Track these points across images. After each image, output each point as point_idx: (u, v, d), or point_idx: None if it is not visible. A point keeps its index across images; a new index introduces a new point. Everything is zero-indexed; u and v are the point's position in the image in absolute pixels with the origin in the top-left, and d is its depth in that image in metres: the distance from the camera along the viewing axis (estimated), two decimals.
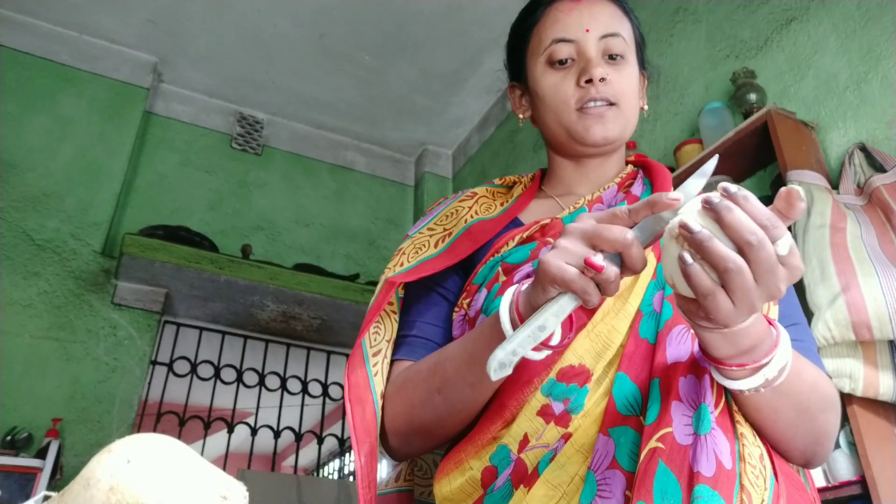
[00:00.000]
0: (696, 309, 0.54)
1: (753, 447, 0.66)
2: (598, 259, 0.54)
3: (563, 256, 0.56)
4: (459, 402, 0.71)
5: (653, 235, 0.56)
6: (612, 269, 0.54)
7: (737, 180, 1.98)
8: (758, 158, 1.94)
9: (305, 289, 3.04)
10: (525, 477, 0.66)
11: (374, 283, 3.23)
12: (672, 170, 1.97)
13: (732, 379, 0.59)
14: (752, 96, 1.97)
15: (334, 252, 3.58)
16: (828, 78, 1.91)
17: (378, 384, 0.79)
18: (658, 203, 0.54)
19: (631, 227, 0.56)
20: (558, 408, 0.69)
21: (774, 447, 0.69)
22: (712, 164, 0.56)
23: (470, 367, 0.68)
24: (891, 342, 1.42)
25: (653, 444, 0.62)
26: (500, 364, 0.56)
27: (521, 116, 0.96)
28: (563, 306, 0.56)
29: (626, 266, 0.55)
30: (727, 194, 0.50)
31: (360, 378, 0.79)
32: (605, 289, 0.55)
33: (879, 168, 1.65)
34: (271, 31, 3.21)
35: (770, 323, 0.58)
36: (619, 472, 0.63)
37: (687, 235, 0.50)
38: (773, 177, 1.85)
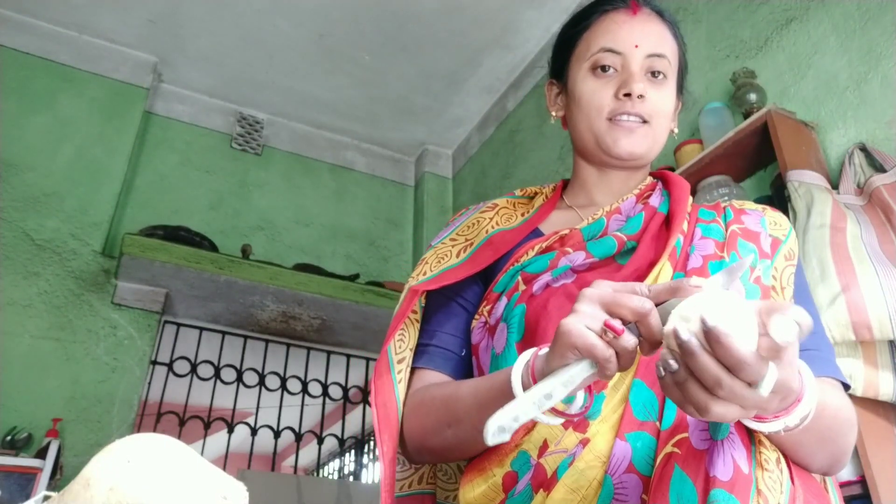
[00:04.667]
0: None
1: (770, 452, 0.66)
2: (618, 323, 0.54)
3: (584, 321, 0.55)
4: (469, 440, 0.73)
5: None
6: (630, 337, 0.53)
7: (737, 180, 1.98)
8: (758, 158, 1.93)
9: (305, 289, 3.04)
10: (545, 481, 0.67)
11: (375, 284, 3.26)
12: (672, 170, 1.97)
13: (753, 421, 0.58)
14: (752, 96, 1.97)
15: (334, 252, 3.58)
16: (828, 78, 1.91)
17: (402, 391, 0.81)
18: (681, 289, 0.54)
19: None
20: (576, 409, 0.69)
21: (794, 463, 0.70)
22: (745, 263, 0.55)
23: (479, 415, 0.68)
24: (891, 342, 1.42)
25: (669, 448, 0.63)
26: (498, 429, 0.53)
27: (553, 114, 0.97)
28: (575, 375, 0.54)
29: (643, 337, 0.54)
30: (705, 327, 0.48)
31: (386, 383, 0.81)
32: (621, 358, 0.54)
33: (879, 168, 1.65)
34: (271, 31, 3.21)
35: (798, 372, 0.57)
36: (636, 476, 0.64)
37: (677, 342, 0.49)
38: (773, 177, 1.85)
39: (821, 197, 1.60)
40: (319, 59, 3.36)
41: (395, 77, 3.46)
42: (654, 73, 0.87)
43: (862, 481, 1.39)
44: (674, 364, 0.50)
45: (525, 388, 0.60)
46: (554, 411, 0.58)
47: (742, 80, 2.03)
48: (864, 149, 1.70)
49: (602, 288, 0.57)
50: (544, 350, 0.61)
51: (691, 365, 0.49)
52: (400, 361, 0.83)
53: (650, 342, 0.54)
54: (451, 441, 0.74)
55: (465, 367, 0.85)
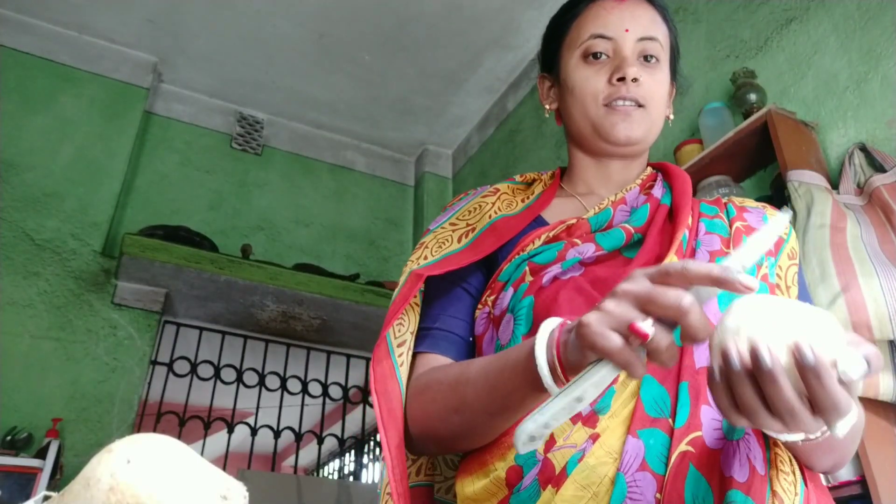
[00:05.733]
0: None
1: (784, 453, 0.66)
2: (647, 326, 0.49)
3: (608, 321, 0.51)
4: (477, 426, 0.70)
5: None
6: (663, 338, 0.49)
7: (737, 180, 1.98)
8: (758, 158, 1.94)
9: (305, 289, 3.04)
10: (553, 477, 0.65)
11: (375, 284, 3.25)
12: None
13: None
14: (752, 96, 1.97)
15: (334, 252, 3.58)
16: (828, 78, 1.91)
17: (404, 374, 0.78)
18: (726, 283, 0.48)
19: (686, 289, 0.50)
20: (585, 408, 0.68)
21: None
22: (784, 220, 0.51)
23: (491, 398, 0.65)
24: (891, 342, 1.42)
25: (683, 447, 0.62)
26: (529, 437, 0.50)
27: (547, 107, 0.96)
28: (604, 377, 0.50)
29: (686, 335, 0.49)
30: (803, 361, 0.44)
31: (386, 368, 0.78)
32: (656, 359, 0.49)
33: (879, 168, 1.65)
34: (271, 31, 3.21)
35: None
36: (650, 474, 0.63)
37: (756, 364, 0.46)
38: (773, 177, 1.85)
39: (821, 197, 1.60)
40: (319, 59, 3.36)
41: (395, 77, 3.46)
42: (646, 58, 0.86)
43: (862, 481, 1.39)
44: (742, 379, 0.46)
45: (550, 364, 0.56)
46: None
47: (742, 80, 2.03)
48: (864, 149, 1.70)
49: (637, 283, 0.51)
50: (567, 328, 0.57)
51: (767, 389, 0.45)
52: (400, 345, 0.80)
53: (692, 340, 0.49)
54: (458, 428, 0.71)
55: (471, 354, 0.82)
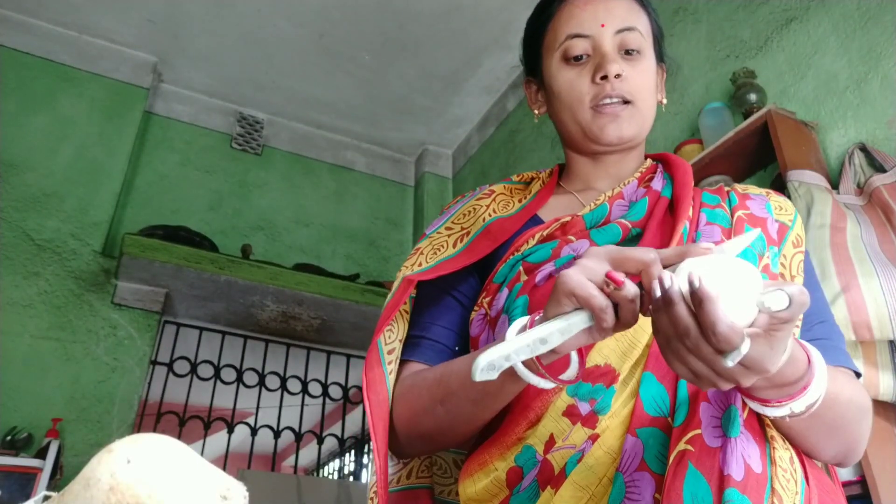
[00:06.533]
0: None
1: (783, 451, 0.65)
2: (620, 275, 0.53)
3: (585, 272, 0.54)
4: (461, 416, 0.70)
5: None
6: (631, 287, 0.52)
7: (737, 180, 1.98)
8: (758, 158, 1.94)
9: (305, 289, 3.04)
10: (552, 478, 0.65)
11: (375, 284, 3.26)
12: None
13: (757, 403, 0.58)
14: (752, 96, 1.97)
15: (334, 252, 3.58)
16: (828, 78, 1.91)
17: (392, 382, 0.79)
18: (690, 252, 0.53)
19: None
20: (584, 408, 0.67)
21: (804, 453, 0.69)
22: (753, 235, 0.56)
23: (473, 384, 0.66)
24: (891, 342, 1.42)
25: (682, 446, 0.62)
26: (488, 365, 0.53)
27: (536, 112, 0.95)
28: (572, 324, 0.53)
29: (645, 289, 0.53)
30: (691, 288, 0.49)
31: (378, 375, 0.78)
32: (622, 310, 0.53)
33: (879, 168, 1.65)
34: (271, 31, 3.21)
35: (808, 360, 0.57)
36: (648, 474, 0.62)
37: (661, 289, 0.50)
38: (773, 177, 1.85)
39: (821, 197, 1.60)
40: (319, 59, 3.36)
41: (395, 77, 3.46)
42: (627, 52, 0.84)
43: (862, 481, 1.39)
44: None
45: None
46: (546, 373, 0.57)
47: (742, 80, 2.04)
48: (864, 149, 1.70)
49: (609, 248, 0.57)
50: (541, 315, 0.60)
51: (668, 313, 0.50)
52: (390, 352, 0.80)
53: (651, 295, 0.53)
54: (443, 419, 0.72)
55: None
